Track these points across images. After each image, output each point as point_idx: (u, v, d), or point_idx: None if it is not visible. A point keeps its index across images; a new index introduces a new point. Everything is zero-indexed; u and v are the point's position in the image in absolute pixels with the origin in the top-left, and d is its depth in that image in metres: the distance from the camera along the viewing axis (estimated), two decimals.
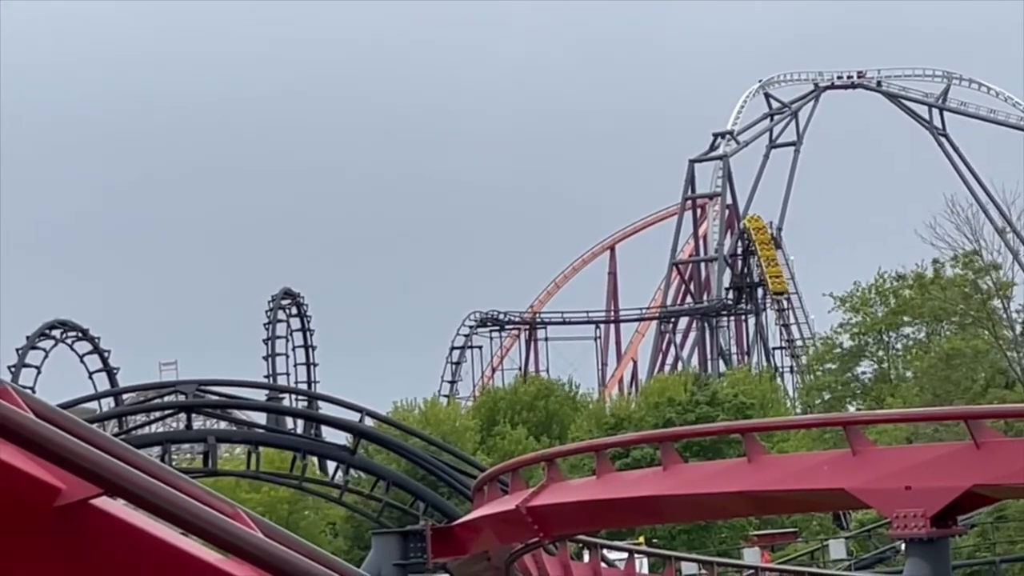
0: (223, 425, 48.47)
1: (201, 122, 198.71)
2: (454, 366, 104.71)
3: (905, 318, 66.40)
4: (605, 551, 28.77)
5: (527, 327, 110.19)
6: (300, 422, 50.72)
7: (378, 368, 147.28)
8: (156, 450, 41.92)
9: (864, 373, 70.07)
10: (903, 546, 18.07)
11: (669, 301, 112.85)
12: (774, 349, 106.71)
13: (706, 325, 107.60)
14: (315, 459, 49.85)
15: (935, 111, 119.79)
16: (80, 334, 68.25)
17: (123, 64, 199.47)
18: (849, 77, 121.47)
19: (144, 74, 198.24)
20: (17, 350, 66.15)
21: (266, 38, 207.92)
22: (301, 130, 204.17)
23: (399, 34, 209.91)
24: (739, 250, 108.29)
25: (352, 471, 47.19)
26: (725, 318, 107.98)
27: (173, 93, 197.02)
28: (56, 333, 67.56)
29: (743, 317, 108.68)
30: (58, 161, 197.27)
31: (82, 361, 68.45)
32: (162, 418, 48.01)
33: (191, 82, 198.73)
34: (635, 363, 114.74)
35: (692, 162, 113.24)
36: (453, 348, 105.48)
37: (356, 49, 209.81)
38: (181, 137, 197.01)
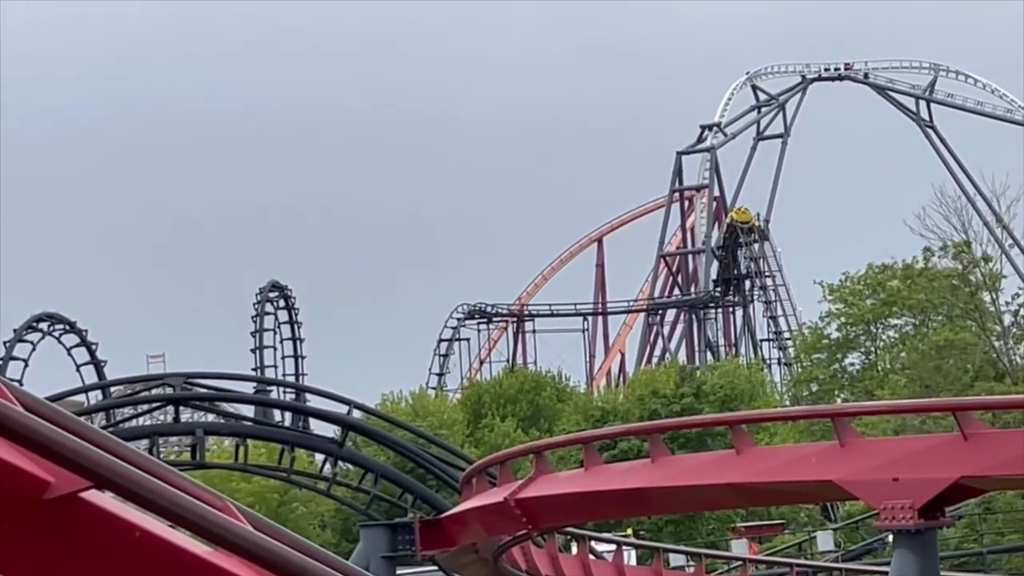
0: (211, 418, 48.35)
1: (190, 119, 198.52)
2: (442, 358, 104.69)
3: (893, 309, 66.45)
4: (593, 543, 28.75)
5: (515, 319, 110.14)
6: (288, 414, 50.68)
7: (366, 360, 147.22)
8: (144, 443, 41.81)
9: (852, 365, 70.16)
10: (891, 537, 18.07)
11: (657, 293, 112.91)
12: (762, 341, 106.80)
13: (694, 317, 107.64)
14: (305, 451, 49.84)
15: (922, 103, 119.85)
16: (67, 327, 68.11)
17: (117, 64, 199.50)
18: (836, 69, 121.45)
19: (135, 74, 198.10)
20: (4, 343, 66.04)
21: (259, 36, 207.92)
22: (289, 125, 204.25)
23: (389, 32, 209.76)
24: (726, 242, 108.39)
25: (340, 463, 47.16)
26: (713, 310, 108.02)
27: (163, 92, 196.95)
28: (43, 326, 67.41)
29: (731, 309, 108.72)
30: (50, 158, 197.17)
31: (69, 354, 68.34)
32: (150, 411, 47.85)
33: (181, 81, 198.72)
34: (623, 355, 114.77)
35: (680, 154, 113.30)
36: (441, 340, 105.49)
37: (344, 46, 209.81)
38: (170, 133, 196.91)
